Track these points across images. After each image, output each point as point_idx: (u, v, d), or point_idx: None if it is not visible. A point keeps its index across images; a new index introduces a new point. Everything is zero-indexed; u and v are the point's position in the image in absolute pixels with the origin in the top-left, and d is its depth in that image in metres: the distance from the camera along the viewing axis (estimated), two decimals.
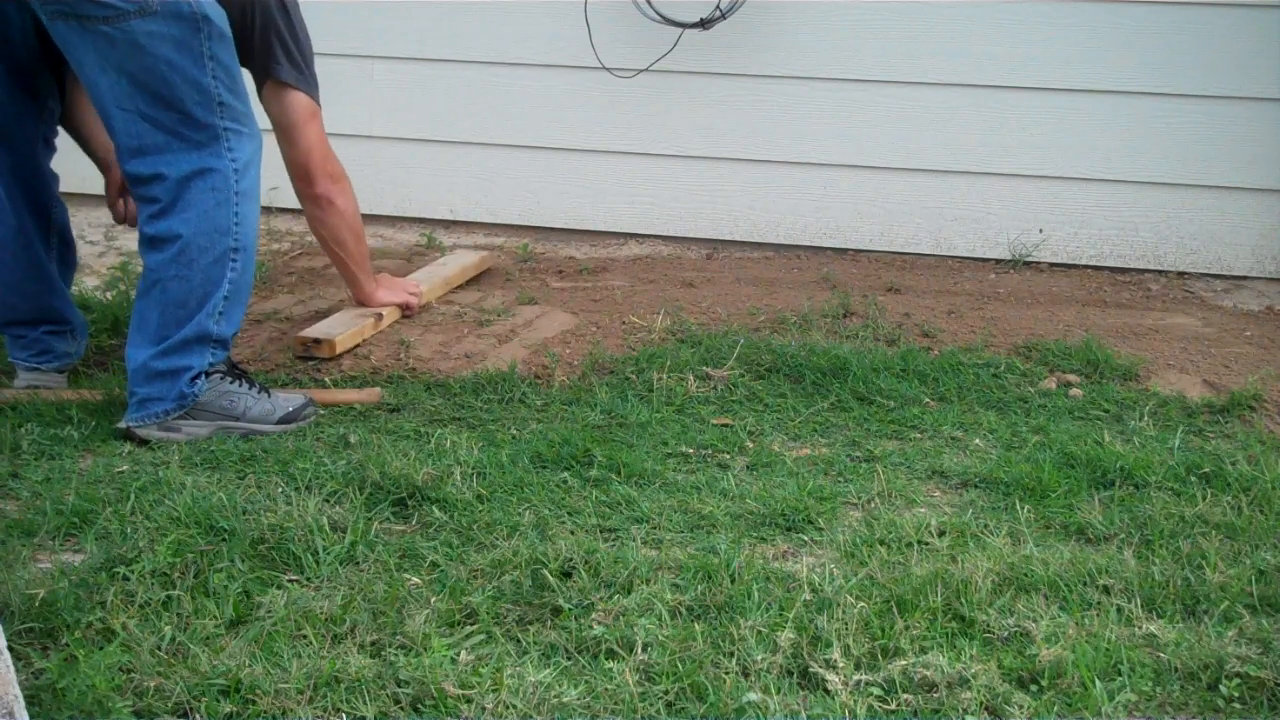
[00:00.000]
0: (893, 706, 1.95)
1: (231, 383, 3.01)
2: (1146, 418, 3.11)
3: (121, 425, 2.95)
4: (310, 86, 3.25)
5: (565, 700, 1.94)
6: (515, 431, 3.02)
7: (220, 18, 2.90)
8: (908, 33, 4.34)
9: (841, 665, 2.02)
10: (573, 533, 2.48)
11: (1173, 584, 2.29)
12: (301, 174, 3.32)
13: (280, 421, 3.03)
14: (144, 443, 2.93)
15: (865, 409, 3.18)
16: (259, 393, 3.04)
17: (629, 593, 2.24)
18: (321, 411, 3.13)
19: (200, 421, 2.97)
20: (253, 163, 3.00)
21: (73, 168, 3.50)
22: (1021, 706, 1.95)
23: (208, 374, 2.97)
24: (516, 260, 4.42)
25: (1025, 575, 2.30)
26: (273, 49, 3.15)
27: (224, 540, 2.38)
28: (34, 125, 3.18)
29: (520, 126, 4.69)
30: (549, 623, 2.17)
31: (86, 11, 2.77)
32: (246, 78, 3.08)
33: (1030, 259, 4.39)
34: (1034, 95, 4.30)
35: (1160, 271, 4.33)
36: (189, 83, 2.86)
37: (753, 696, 1.94)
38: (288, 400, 3.08)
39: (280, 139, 3.28)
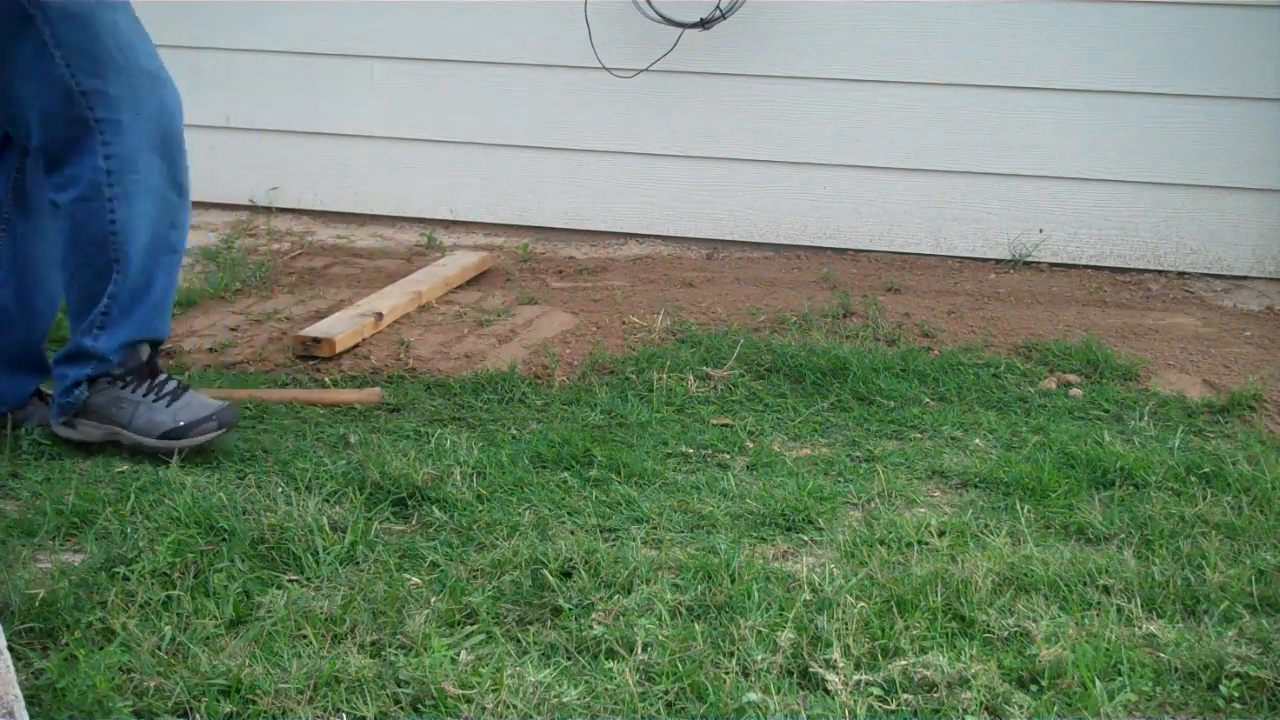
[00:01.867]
0: (893, 706, 1.95)
1: (125, 388, 2.79)
2: (1146, 418, 3.11)
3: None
4: None
5: (565, 700, 1.94)
6: (515, 431, 3.02)
7: None
8: (908, 33, 4.34)
9: (841, 665, 2.02)
10: (573, 533, 2.48)
11: (1173, 584, 2.29)
12: None
13: (164, 437, 2.75)
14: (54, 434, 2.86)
15: (865, 409, 3.18)
16: (167, 400, 2.78)
17: (629, 593, 2.24)
18: (235, 424, 2.87)
19: (93, 422, 2.81)
20: (138, 153, 2.65)
21: None
22: (1021, 706, 1.95)
23: (92, 380, 2.79)
24: (516, 260, 4.42)
25: (1025, 575, 2.30)
26: None
27: (224, 540, 2.38)
28: None
29: (520, 126, 4.69)
30: (549, 623, 2.17)
31: None
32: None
33: (1030, 259, 4.39)
34: (1034, 95, 4.30)
35: (1160, 271, 4.33)
36: (36, 82, 2.55)
37: (753, 696, 1.94)
38: (194, 409, 2.77)
39: None
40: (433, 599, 2.21)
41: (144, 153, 2.68)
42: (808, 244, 4.55)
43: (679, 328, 3.63)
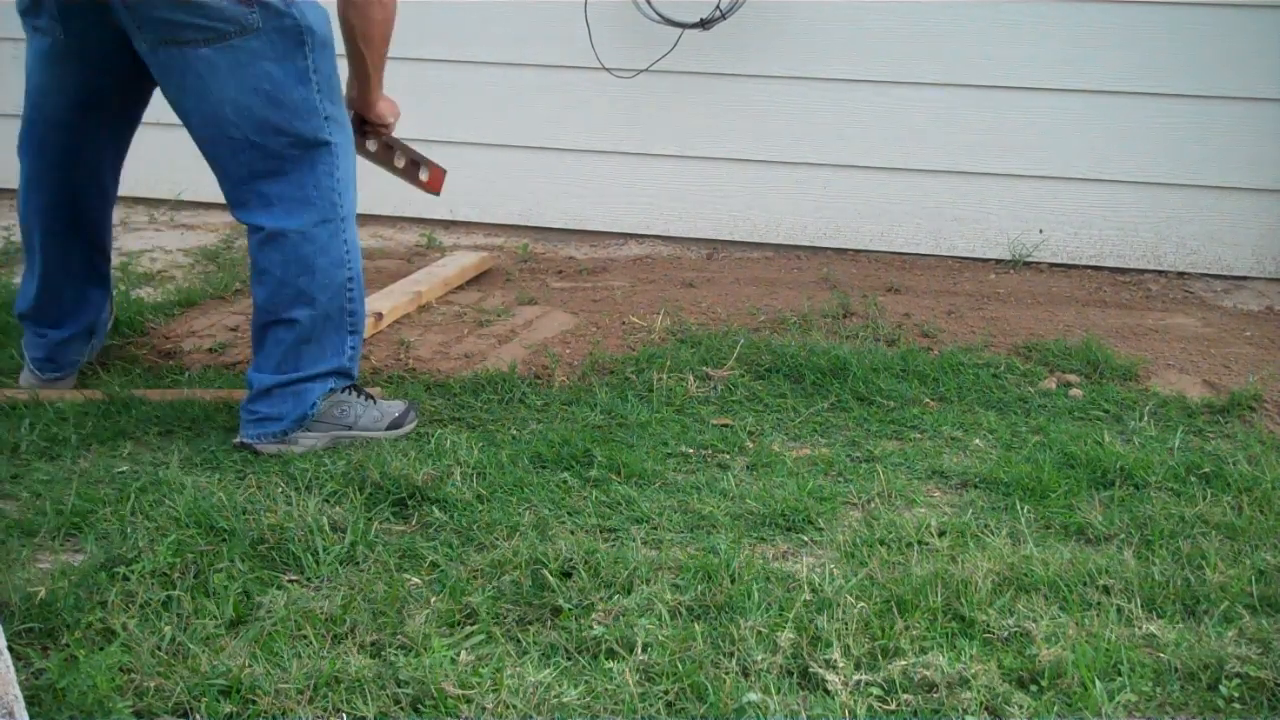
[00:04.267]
0: (893, 706, 1.95)
1: (343, 392, 2.93)
2: (1146, 418, 3.11)
3: (238, 440, 2.88)
4: None
5: (565, 700, 1.94)
6: (515, 431, 3.02)
7: (321, 22, 2.76)
8: (907, 33, 4.34)
9: (841, 665, 2.02)
10: (573, 533, 2.48)
11: (1173, 584, 2.29)
12: None
13: (390, 427, 2.95)
14: (256, 454, 2.86)
15: (865, 409, 3.18)
16: (365, 400, 2.96)
17: (629, 593, 2.24)
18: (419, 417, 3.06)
19: (316, 434, 2.89)
20: (351, 175, 2.86)
21: None
22: (1021, 706, 1.95)
23: (330, 393, 2.91)
24: (516, 260, 4.42)
25: (1025, 575, 2.30)
26: None
27: (224, 540, 2.38)
28: (108, 151, 3.06)
29: (520, 127, 4.69)
30: (549, 623, 2.17)
31: (185, 36, 2.66)
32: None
33: (1030, 259, 4.39)
34: (1034, 95, 4.30)
35: (1160, 271, 4.33)
36: (294, 101, 2.73)
37: (753, 696, 1.94)
38: (392, 407, 2.99)
39: None
40: (433, 599, 2.22)
41: (354, 181, 2.88)
42: (807, 244, 4.55)
43: (679, 328, 3.63)
